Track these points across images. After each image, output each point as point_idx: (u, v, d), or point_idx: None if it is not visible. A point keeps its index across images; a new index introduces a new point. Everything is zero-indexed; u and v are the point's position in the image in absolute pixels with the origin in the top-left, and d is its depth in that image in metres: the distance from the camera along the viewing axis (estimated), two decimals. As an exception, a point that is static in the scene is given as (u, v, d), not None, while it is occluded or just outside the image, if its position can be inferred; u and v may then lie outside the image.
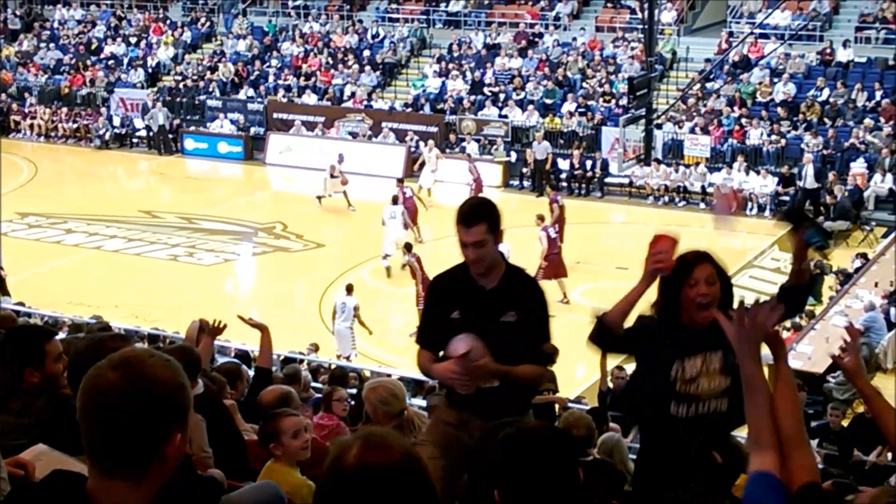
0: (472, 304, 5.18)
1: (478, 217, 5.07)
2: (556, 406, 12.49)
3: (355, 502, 2.32)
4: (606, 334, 4.90)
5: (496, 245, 5.13)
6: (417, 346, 5.47)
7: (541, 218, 21.65)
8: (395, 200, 23.63)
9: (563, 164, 29.86)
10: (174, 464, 2.53)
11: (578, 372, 16.32)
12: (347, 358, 18.30)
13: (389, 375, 15.36)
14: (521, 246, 20.95)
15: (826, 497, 3.51)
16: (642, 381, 4.94)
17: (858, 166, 27.01)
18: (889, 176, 26.54)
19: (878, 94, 29.14)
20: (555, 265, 21.02)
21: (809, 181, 26.55)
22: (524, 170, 30.18)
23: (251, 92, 36.41)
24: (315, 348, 17.68)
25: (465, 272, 5.22)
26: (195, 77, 37.61)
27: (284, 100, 35.64)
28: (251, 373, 9.31)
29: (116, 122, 36.34)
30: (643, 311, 4.95)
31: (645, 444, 5.21)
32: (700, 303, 4.60)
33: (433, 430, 5.54)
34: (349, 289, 19.24)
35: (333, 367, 15.13)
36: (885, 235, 24.65)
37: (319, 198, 28.18)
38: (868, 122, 28.20)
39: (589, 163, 29.62)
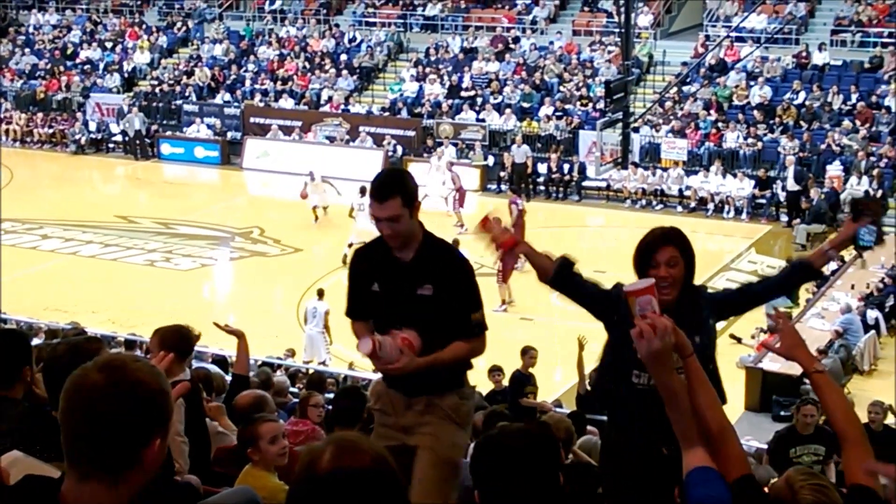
0: (390, 277, 5.04)
1: (391, 191, 4.87)
2: (538, 410, 12.49)
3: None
4: (569, 278, 5.21)
5: (412, 218, 4.92)
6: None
7: (513, 191, 21.60)
8: (363, 192, 23.49)
9: (541, 168, 29.88)
10: (152, 469, 2.53)
11: (556, 375, 16.30)
12: (323, 363, 18.24)
13: (366, 379, 15.36)
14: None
15: (760, 489, 3.51)
16: (608, 349, 5.02)
17: (834, 169, 27.13)
18: (865, 178, 26.67)
19: (854, 97, 29.28)
20: (511, 269, 20.87)
21: (790, 183, 26.65)
22: (502, 173, 30.19)
23: (228, 96, 36.30)
24: (291, 353, 17.62)
25: (384, 245, 5.05)
26: (171, 82, 37.47)
27: (261, 104, 35.53)
28: (228, 378, 9.27)
29: (92, 126, 36.15)
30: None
31: (611, 419, 5.20)
32: (660, 285, 4.51)
33: (377, 434, 5.36)
34: (320, 293, 19.14)
35: (311, 372, 15.10)
36: (861, 238, 24.74)
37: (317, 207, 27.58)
38: (847, 123, 28.33)
39: (566, 166, 29.64)
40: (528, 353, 13.93)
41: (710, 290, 5.20)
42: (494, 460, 2.91)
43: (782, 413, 16.08)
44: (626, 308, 4.62)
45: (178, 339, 6.10)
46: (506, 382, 13.94)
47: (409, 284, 4.97)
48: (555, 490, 2.89)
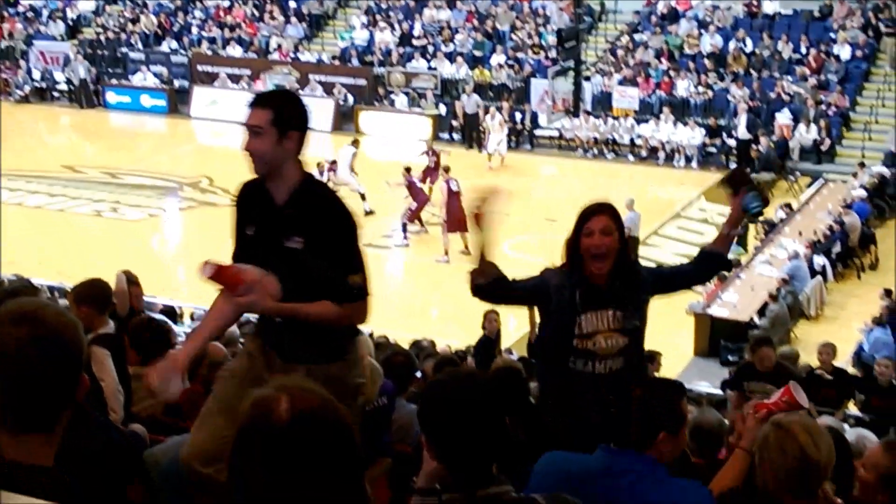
0: (262, 220, 4.46)
1: (265, 102, 4.36)
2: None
3: (295, 458, 2.21)
4: (490, 287, 4.93)
5: (280, 146, 4.32)
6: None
7: (446, 169, 21.57)
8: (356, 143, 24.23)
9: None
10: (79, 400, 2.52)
11: (510, 324, 16.34)
12: None
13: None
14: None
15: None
16: (546, 332, 4.92)
17: (784, 117, 27.29)
18: (814, 127, 26.85)
19: (804, 46, 29.40)
20: (456, 219, 20.84)
21: (741, 131, 26.79)
22: (454, 122, 30.09)
23: (174, 44, 35.83)
24: None
25: (263, 183, 4.46)
26: (117, 29, 36.90)
27: (209, 52, 35.12)
28: (177, 329, 9.22)
29: (36, 75, 35.54)
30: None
31: (543, 397, 5.16)
32: (594, 253, 4.61)
33: (235, 362, 4.94)
34: None
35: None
36: (809, 185, 25.00)
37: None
38: (802, 70, 28.49)
39: (518, 115, 29.61)
40: (486, 318, 13.96)
41: (644, 267, 5.13)
42: (441, 406, 2.88)
43: (730, 358, 16.28)
44: (562, 295, 4.65)
45: (94, 294, 6.08)
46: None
47: (277, 232, 4.37)
48: (503, 435, 2.87)
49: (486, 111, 28.66)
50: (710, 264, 5.31)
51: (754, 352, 10.18)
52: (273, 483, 2.19)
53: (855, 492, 3.78)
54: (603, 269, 4.63)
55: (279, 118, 4.29)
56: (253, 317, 5.25)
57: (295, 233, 4.30)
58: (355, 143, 24.74)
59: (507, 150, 27.86)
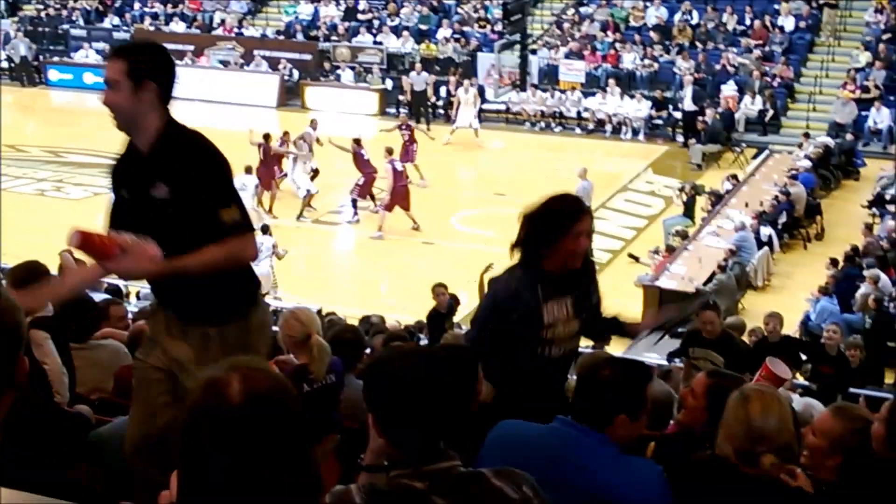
0: (130, 175, 4.31)
1: (121, 53, 4.26)
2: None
3: (248, 439, 2.18)
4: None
5: (139, 98, 4.16)
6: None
7: (389, 151, 21.48)
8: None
9: (441, 92, 29.74)
10: (21, 383, 2.44)
11: (461, 299, 16.35)
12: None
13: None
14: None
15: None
16: (512, 327, 4.77)
17: (729, 89, 27.44)
18: (759, 98, 27.03)
19: (748, 18, 29.55)
20: (399, 196, 20.83)
21: (687, 103, 26.91)
22: (401, 97, 29.99)
23: (116, 20, 35.38)
24: None
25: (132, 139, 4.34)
26: (58, 5, 36.33)
27: (151, 28, 34.66)
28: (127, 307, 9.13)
29: (-24, 53, 35.02)
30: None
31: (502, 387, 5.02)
32: (577, 254, 4.61)
33: (141, 348, 4.69)
34: (265, 229, 18.49)
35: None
36: (755, 157, 25.18)
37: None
38: (747, 41, 28.66)
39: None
40: (434, 291, 14.00)
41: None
42: (384, 382, 2.85)
43: (679, 330, 16.33)
44: (521, 296, 4.59)
45: (31, 277, 6.02)
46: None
47: (143, 183, 4.18)
48: (449, 411, 2.83)
49: (460, 84, 28.33)
50: (610, 332, 5.27)
51: (698, 315, 10.05)
52: (225, 464, 2.17)
53: (803, 459, 3.82)
54: (577, 265, 4.64)
55: (134, 69, 4.14)
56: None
57: (159, 180, 4.12)
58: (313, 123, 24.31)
59: (447, 124, 27.81)
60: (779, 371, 4.57)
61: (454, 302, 14.41)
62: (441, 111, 29.53)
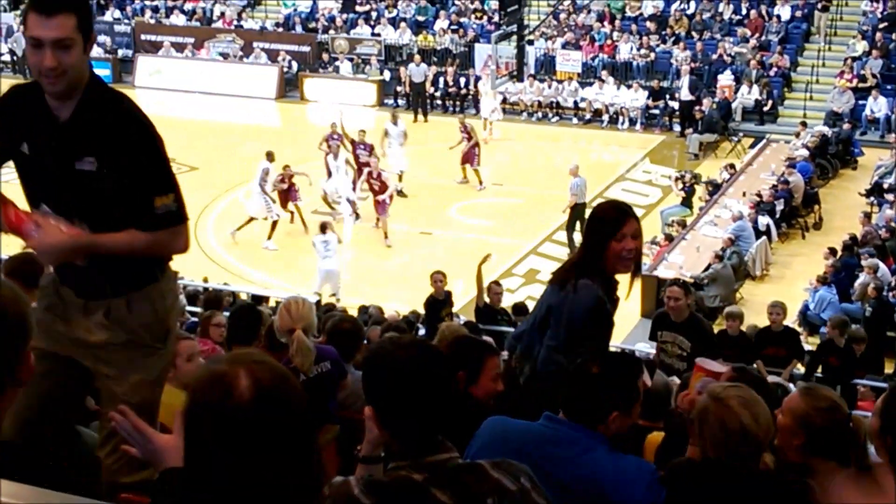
0: (42, 137, 3.68)
1: (65, 4, 3.53)
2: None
3: (258, 435, 2.19)
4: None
5: (87, 56, 3.65)
6: None
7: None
8: (395, 121, 23.41)
9: (439, 83, 29.78)
10: (26, 380, 2.46)
11: (457, 288, 16.42)
12: (336, 297, 17.79)
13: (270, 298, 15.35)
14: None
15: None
16: (600, 332, 4.83)
17: (726, 78, 27.46)
18: (755, 87, 27.07)
19: (745, 7, 29.57)
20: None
21: (684, 93, 26.94)
22: (398, 88, 30.02)
23: (117, 13, 35.41)
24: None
25: (39, 91, 3.66)
26: (58, -2, 36.28)
27: (152, 21, 34.73)
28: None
29: (-23, 46, 35.04)
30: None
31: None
32: (626, 257, 4.64)
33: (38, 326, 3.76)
34: (324, 227, 18.20)
35: (210, 290, 15.01)
36: (752, 146, 25.22)
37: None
38: (743, 31, 28.65)
39: (462, 80, 29.61)
40: (432, 278, 14.03)
41: None
42: (385, 374, 2.82)
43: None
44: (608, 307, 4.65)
45: (24, 268, 6.07)
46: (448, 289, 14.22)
47: (64, 153, 3.63)
48: (447, 400, 2.83)
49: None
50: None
51: (665, 291, 9.75)
52: (231, 460, 2.18)
53: (775, 440, 3.85)
54: (629, 270, 4.70)
55: (85, 22, 3.59)
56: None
57: (85, 152, 3.61)
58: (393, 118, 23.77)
59: (452, 115, 27.81)
60: (712, 367, 4.64)
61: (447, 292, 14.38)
62: (439, 102, 29.55)
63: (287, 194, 20.74)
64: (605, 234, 4.65)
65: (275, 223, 20.44)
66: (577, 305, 4.67)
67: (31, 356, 2.45)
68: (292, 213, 21.08)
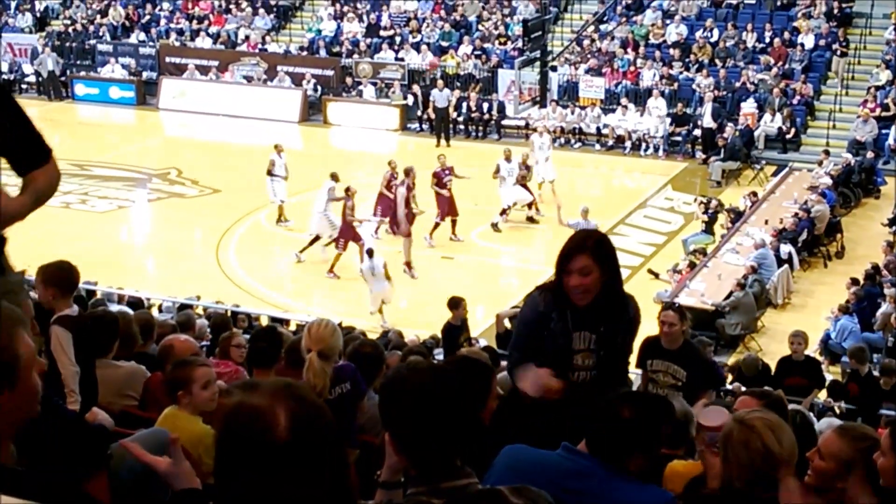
0: None
1: None
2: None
3: (296, 466, 2.21)
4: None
5: None
6: None
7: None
8: (508, 158, 22.82)
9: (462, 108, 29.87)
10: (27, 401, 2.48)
11: (478, 313, 16.46)
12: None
13: (286, 321, 15.38)
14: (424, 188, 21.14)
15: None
16: (547, 347, 4.87)
17: (749, 106, 27.45)
18: (778, 115, 27.03)
19: (768, 35, 29.58)
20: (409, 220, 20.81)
21: (706, 120, 26.96)
22: (420, 113, 30.10)
23: (142, 36, 35.67)
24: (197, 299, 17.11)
25: None
26: (85, 21, 36.67)
27: (177, 43, 34.97)
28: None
29: (4, 67, 35.24)
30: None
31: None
32: (574, 292, 4.65)
33: None
34: (371, 252, 18.25)
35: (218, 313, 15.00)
36: (774, 174, 25.17)
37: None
38: (766, 59, 28.64)
39: (486, 105, 29.68)
40: (459, 306, 13.99)
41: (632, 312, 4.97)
42: (398, 399, 2.85)
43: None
44: (554, 319, 4.68)
45: (60, 276, 6.18)
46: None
47: None
48: (465, 427, 2.84)
49: (533, 130, 26.11)
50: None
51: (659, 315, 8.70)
52: (269, 490, 2.20)
53: (808, 479, 3.81)
54: (584, 302, 4.70)
55: None
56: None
57: None
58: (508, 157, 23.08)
59: (474, 140, 27.79)
60: (715, 421, 4.61)
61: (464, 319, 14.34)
62: (461, 127, 29.62)
63: (353, 231, 20.31)
64: (558, 265, 4.73)
65: (314, 239, 20.70)
66: (520, 315, 5.06)
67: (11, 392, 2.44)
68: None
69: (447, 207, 21.36)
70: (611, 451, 3.55)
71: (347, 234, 20.02)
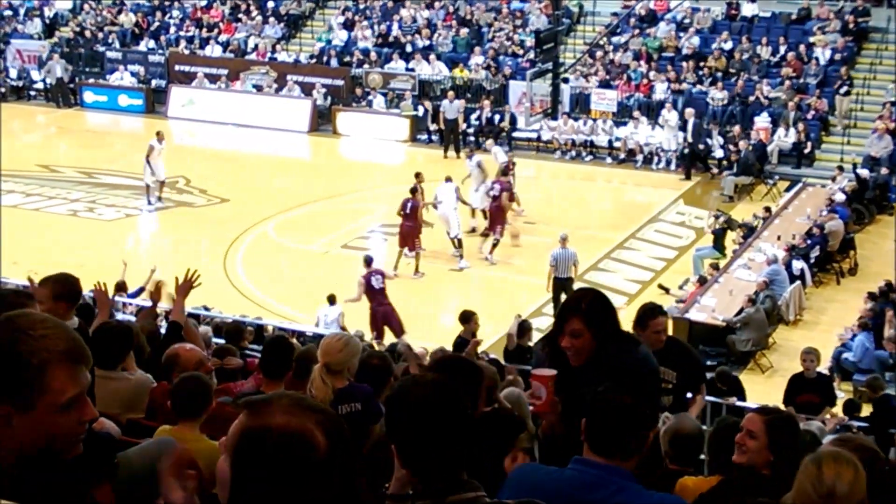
0: None
1: None
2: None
3: (331, 480, 2.25)
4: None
5: None
6: None
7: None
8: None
9: (471, 118, 29.77)
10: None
11: (487, 328, 16.26)
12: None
13: (292, 331, 15.23)
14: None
15: None
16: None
17: (762, 121, 27.31)
18: (792, 130, 26.88)
19: (783, 49, 29.44)
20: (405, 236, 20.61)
21: (689, 136, 26.97)
22: (431, 125, 29.99)
23: (152, 43, 35.66)
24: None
25: None
26: (94, 28, 36.68)
27: (186, 51, 34.96)
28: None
29: (13, 74, 35.37)
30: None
31: None
32: (566, 352, 4.77)
33: None
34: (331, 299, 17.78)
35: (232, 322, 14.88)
36: (787, 189, 25.01)
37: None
38: (787, 70, 28.51)
39: (497, 116, 29.57)
40: (471, 320, 13.94)
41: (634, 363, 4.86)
42: (402, 412, 2.89)
43: (709, 363, 16.20)
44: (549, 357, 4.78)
45: (71, 290, 6.12)
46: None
47: None
48: (469, 440, 2.87)
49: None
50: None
51: (645, 328, 7.17)
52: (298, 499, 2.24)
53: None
54: (577, 363, 4.77)
55: None
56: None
57: None
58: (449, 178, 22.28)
59: (485, 152, 27.58)
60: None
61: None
62: (472, 137, 29.47)
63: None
64: (555, 323, 4.95)
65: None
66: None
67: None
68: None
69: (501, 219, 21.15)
70: (618, 442, 3.58)
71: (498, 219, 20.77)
